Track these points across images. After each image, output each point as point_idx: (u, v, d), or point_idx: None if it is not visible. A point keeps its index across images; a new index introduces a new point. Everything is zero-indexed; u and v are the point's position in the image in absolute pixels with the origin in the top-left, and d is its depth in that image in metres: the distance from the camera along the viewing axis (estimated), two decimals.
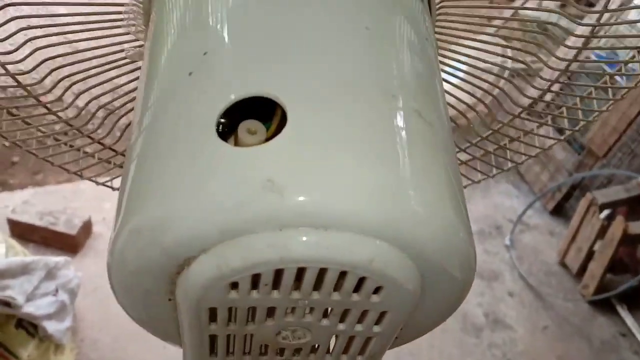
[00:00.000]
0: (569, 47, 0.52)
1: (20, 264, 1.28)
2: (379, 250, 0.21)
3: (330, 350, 0.28)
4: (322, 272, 0.22)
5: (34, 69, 0.45)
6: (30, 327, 1.33)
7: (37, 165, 2.03)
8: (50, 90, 0.48)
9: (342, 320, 0.25)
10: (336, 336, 0.27)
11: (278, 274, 0.22)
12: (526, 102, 0.52)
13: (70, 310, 1.41)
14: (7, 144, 0.47)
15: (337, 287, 0.23)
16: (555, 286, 2.06)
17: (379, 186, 0.21)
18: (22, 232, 1.62)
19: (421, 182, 0.22)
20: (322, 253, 0.20)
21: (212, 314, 0.24)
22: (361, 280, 0.22)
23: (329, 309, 0.25)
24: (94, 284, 1.65)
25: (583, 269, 2.03)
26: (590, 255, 2.00)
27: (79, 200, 1.86)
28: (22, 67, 0.47)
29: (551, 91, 0.50)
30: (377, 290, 0.23)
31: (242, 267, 0.20)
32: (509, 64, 0.49)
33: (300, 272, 0.22)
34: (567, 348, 1.93)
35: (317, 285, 0.23)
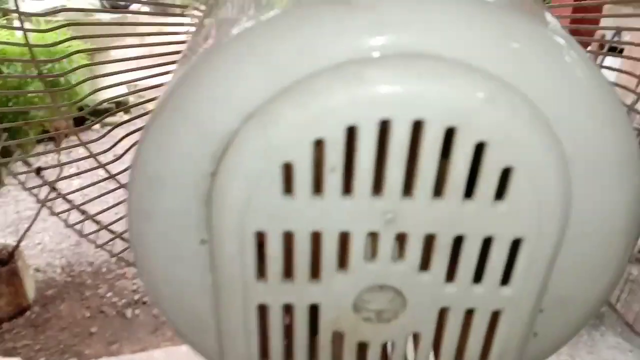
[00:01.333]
0: None
1: None
2: (499, 96, 0.14)
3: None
4: (413, 160, 0.15)
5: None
6: None
7: (114, 336, 1.99)
8: None
9: (450, 276, 0.17)
10: (439, 338, 0.19)
11: (349, 153, 0.15)
12: None
13: None
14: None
15: (438, 187, 0.15)
16: None
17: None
18: None
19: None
20: (414, 90, 0.14)
21: (261, 263, 0.17)
22: (475, 171, 0.15)
23: (429, 252, 0.17)
24: None
25: None
26: None
27: None
28: None
29: None
30: (501, 192, 0.15)
31: (298, 124, 0.14)
32: None
33: (382, 154, 0.15)
34: None
35: (408, 185, 0.15)
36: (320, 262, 0.17)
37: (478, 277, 0.17)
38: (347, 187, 0.15)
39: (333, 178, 0.15)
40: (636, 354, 1.99)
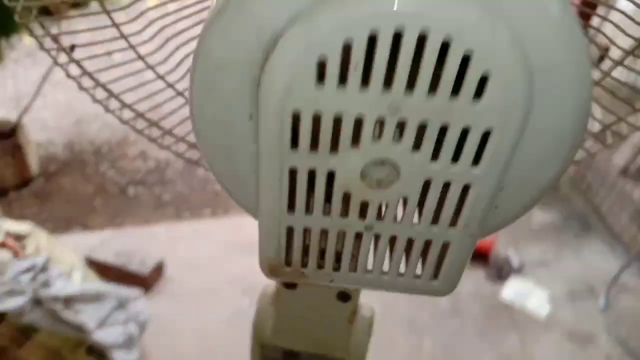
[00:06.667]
0: None
1: (94, 292, 1.31)
2: (485, 18, 0.19)
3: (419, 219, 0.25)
4: (415, 65, 0.20)
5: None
6: (99, 357, 1.33)
7: (117, 211, 2.12)
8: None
9: (435, 156, 0.22)
10: (423, 202, 0.24)
11: (369, 56, 0.20)
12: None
13: (138, 343, 1.41)
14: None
15: (433, 86, 0.20)
16: None
17: None
18: (97, 270, 1.67)
19: None
20: (423, 8, 0.18)
21: (294, 136, 0.22)
22: (461, 76, 0.20)
23: (421, 136, 0.22)
24: (162, 326, 1.65)
25: None
26: None
27: (154, 243, 1.90)
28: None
29: None
30: (479, 93, 0.20)
31: (333, 27, 0.19)
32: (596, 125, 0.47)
33: (393, 59, 0.20)
34: None
35: (411, 83, 0.20)
36: (339, 140, 0.22)
37: (456, 158, 0.23)
38: (365, 82, 0.20)
39: (355, 73, 0.20)
40: (617, 261, 2.14)
